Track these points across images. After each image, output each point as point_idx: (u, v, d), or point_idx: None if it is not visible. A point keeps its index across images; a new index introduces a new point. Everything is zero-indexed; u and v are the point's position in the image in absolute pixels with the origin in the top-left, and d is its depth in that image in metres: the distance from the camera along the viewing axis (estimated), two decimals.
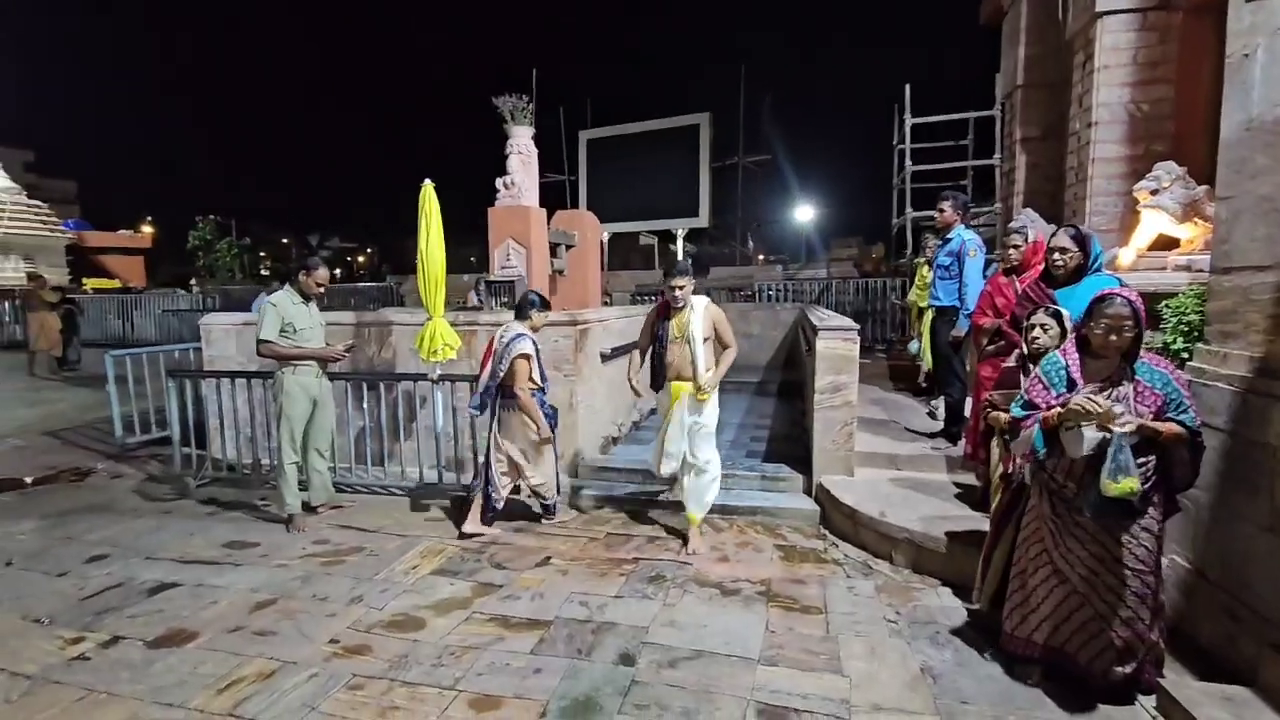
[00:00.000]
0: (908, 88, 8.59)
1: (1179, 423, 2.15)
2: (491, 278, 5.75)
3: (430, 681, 2.47)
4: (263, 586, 3.30)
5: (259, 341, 4.06)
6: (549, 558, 3.63)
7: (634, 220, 15.13)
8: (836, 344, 4.20)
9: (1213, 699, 2.13)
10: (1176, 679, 2.29)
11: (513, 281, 5.61)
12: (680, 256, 14.78)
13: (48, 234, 31.13)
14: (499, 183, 5.82)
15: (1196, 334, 2.91)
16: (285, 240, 54.54)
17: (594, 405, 5.24)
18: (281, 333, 4.05)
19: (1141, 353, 2.27)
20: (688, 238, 15.91)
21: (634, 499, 4.48)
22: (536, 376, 3.89)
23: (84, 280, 31.19)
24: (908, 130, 8.80)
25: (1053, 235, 2.92)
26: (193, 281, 30.62)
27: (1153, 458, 2.18)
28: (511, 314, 4.24)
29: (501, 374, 3.82)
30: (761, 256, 31.42)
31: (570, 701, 2.33)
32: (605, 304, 9.17)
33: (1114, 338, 2.21)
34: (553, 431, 3.98)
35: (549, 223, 6.60)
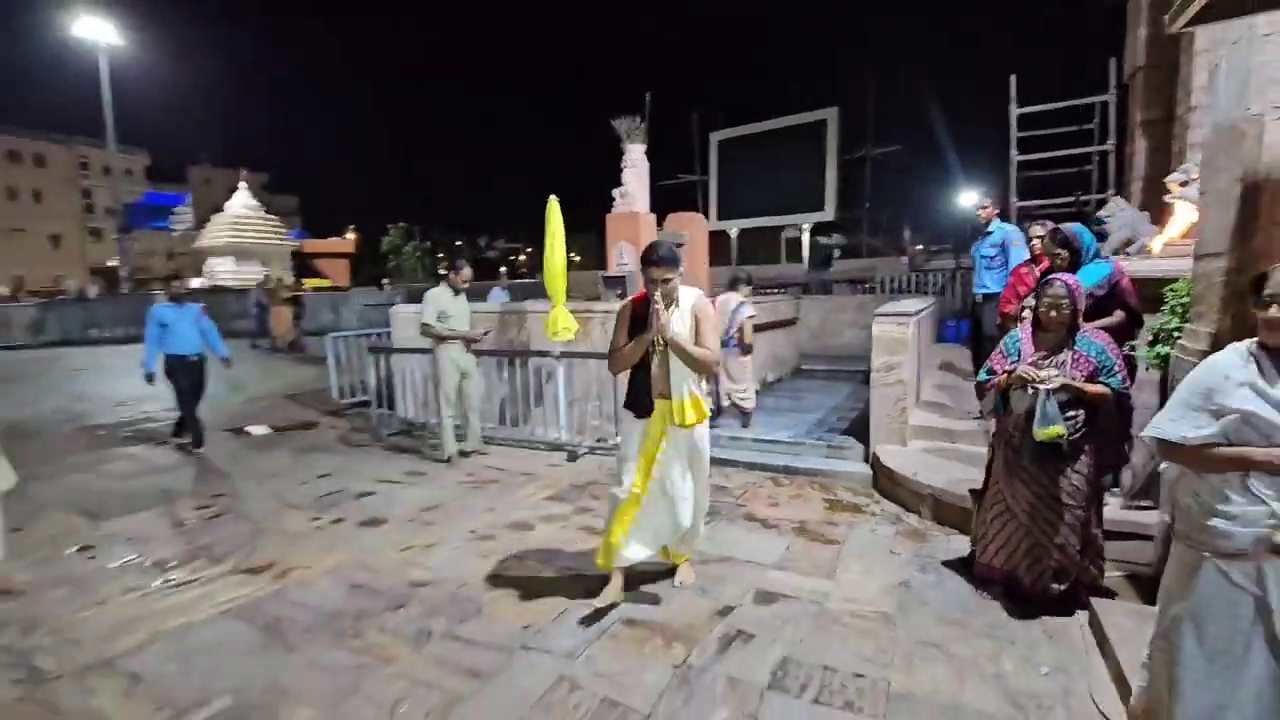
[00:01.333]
0: (1013, 79, 8.39)
1: (1107, 385, 2.62)
2: (608, 273, 6.82)
3: (532, 559, 3.52)
4: (428, 498, 4.59)
5: (421, 325, 5.42)
6: None
7: (763, 215, 15.65)
8: (890, 328, 4.72)
9: (1128, 613, 2.58)
10: (1106, 601, 2.74)
11: (624, 276, 6.64)
12: (806, 251, 15.04)
13: (278, 243, 37.75)
14: (615, 192, 6.87)
15: (1188, 317, 3.18)
16: (459, 243, 60.77)
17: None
18: (437, 319, 5.36)
19: (1084, 327, 2.74)
20: (823, 231, 16.11)
21: (714, 462, 5.29)
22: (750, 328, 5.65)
23: (303, 280, 37.27)
24: (1013, 120, 8.58)
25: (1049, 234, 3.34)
26: (385, 280, 35.57)
27: (1081, 413, 2.66)
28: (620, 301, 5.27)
29: (731, 331, 5.58)
30: (919, 246, 30.20)
31: None
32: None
33: (1054, 313, 2.71)
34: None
35: (661, 224, 7.57)
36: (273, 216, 38.56)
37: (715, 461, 5.19)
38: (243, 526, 4.12)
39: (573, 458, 5.47)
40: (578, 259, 36.75)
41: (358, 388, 7.67)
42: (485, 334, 5.77)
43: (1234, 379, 1.69)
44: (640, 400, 2.87)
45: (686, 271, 8.07)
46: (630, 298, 3.03)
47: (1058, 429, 2.59)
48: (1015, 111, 8.67)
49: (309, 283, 35.80)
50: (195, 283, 34.96)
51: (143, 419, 7.46)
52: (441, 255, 55.96)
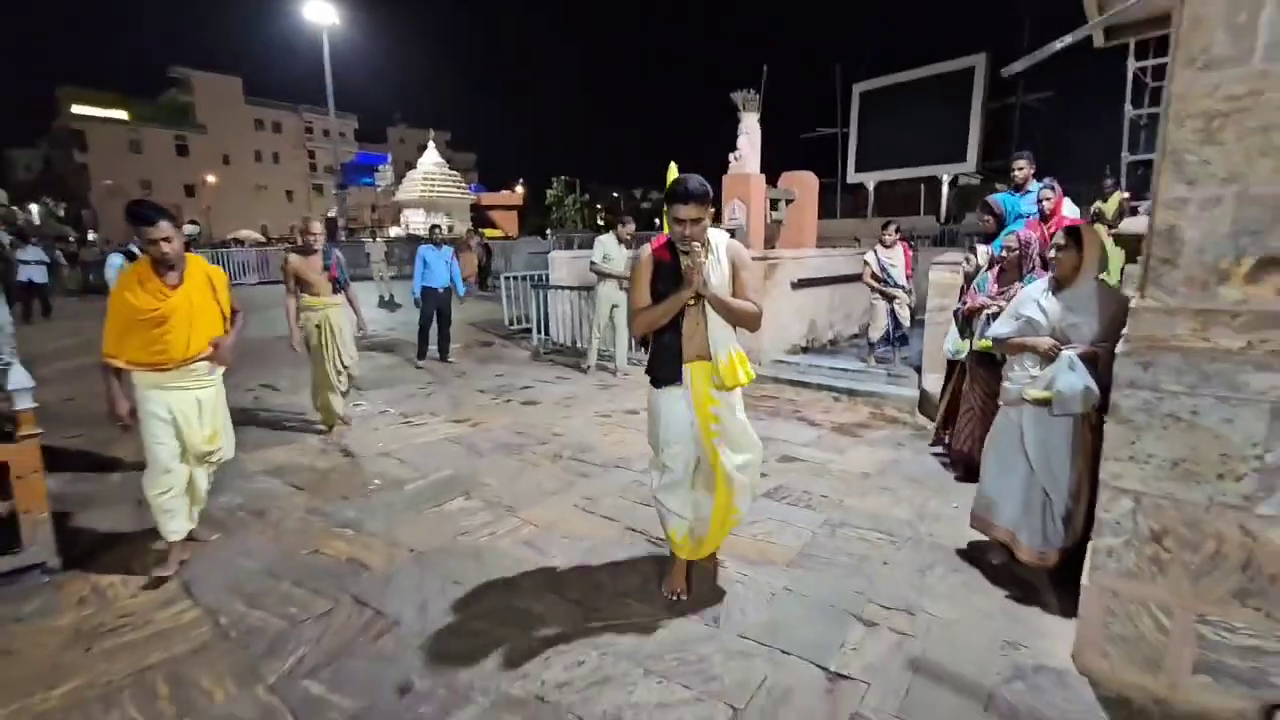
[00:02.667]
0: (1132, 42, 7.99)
1: None
2: (723, 226, 8.05)
3: (631, 427, 5.07)
4: (569, 392, 6.31)
5: (590, 263, 7.04)
6: None
7: (902, 167, 15.64)
8: (944, 274, 5.56)
9: None
10: None
11: (735, 229, 7.83)
12: (944, 204, 14.85)
13: (460, 196, 42.28)
14: (731, 156, 8.02)
15: None
16: (616, 195, 63.53)
17: (780, 321, 7.28)
18: (602, 259, 6.95)
19: (1037, 270, 3.65)
20: (965, 183, 15.72)
21: (789, 383, 6.50)
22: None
23: (480, 231, 41.70)
24: (1129, 73, 8.19)
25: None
26: (548, 231, 38.88)
27: None
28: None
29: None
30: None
31: None
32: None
33: (1006, 256, 3.64)
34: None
35: (776, 183, 8.60)
36: (454, 173, 43.33)
37: (790, 383, 6.43)
38: (449, 399, 6.10)
39: None
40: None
41: (523, 318, 9.68)
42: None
43: (1033, 298, 2.72)
44: (670, 366, 2.46)
45: (792, 226, 9.05)
46: (651, 245, 2.51)
47: (988, 343, 3.59)
48: (1133, 66, 8.36)
49: (486, 232, 39.94)
50: (393, 232, 40.66)
51: (375, 336, 10.05)
52: (600, 207, 59.13)
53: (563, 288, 8.30)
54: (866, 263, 6.52)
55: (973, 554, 2.99)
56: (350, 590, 2.76)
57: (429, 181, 40.65)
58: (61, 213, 39.52)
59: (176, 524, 2.91)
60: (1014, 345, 2.75)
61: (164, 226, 2.65)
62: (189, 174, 48.65)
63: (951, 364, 4.28)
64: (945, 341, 4.25)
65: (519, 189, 55.91)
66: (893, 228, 6.50)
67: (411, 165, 43.34)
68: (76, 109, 44.77)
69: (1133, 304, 2.05)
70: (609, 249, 6.89)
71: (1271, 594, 1.90)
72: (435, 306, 7.61)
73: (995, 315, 3.57)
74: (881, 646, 2.35)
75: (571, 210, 53.74)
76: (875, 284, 6.42)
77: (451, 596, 2.71)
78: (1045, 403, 2.55)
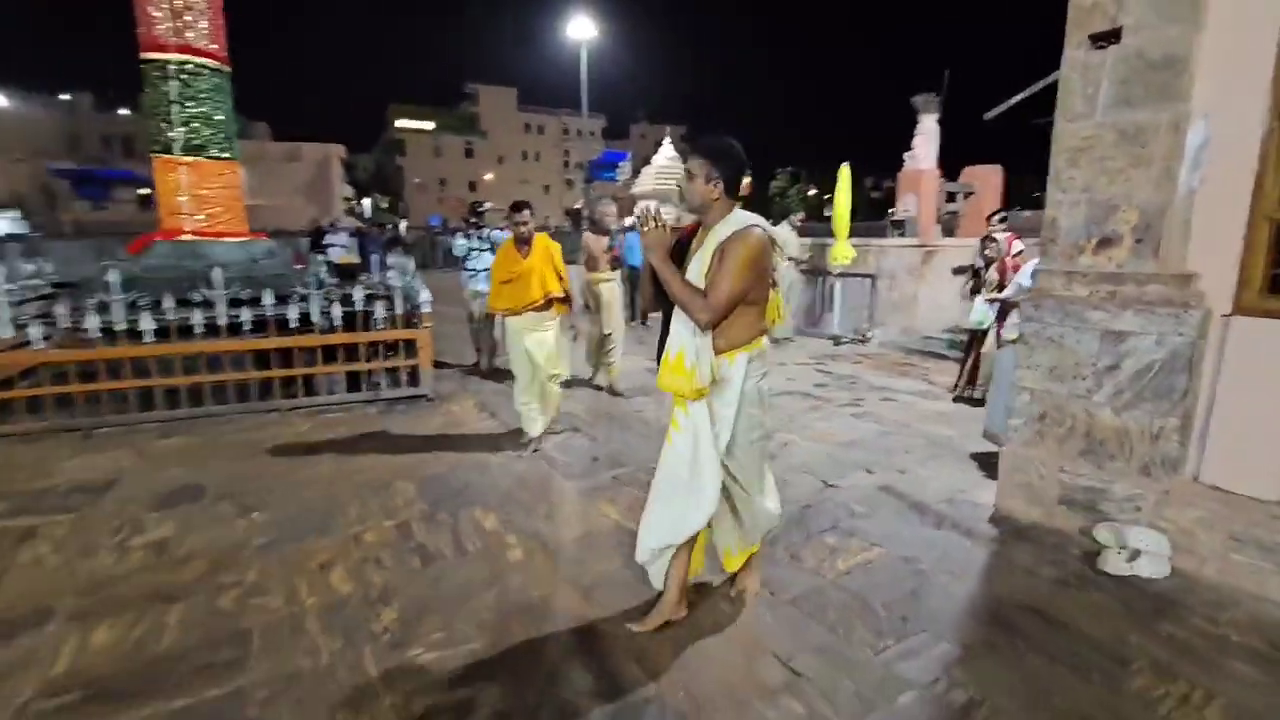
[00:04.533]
0: None
1: None
2: (895, 217, 9.01)
3: (777, 375, 6.62)
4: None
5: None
6: (858, 361, 7.21)
7: None
8: None
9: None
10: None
11: (904, 220, 8.76)
12: None
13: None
14: (905, 156, 8.94)
15: None
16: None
17: (940, 301, 8.14)
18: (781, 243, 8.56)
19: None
20: None
21: (928, 354, 7.44)
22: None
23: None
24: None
25: None
26: (770, 220, 40.14)
27: None
28: (895, 240, 7.71)
29: None
30: None
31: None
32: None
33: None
34: None
35: (958, 178, 9.28)
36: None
37: (929, 354, 7.38)
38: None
39: (837, 343, 8.21)
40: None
41: None
42: (809, 257, 8.79)
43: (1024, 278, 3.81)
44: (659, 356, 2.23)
45: (971, 216, 9.53)
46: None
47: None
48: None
49: None
50: (628, 221, 45.06)
51: None
52: (828, 197, 58.52)
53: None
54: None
55: (983, 458, 4.12)
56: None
57: (662, 174, 44.18)
58: (385, 204, 50.71)
59: (533, 427, 4.18)
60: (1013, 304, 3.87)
61: (526, 214, 4.00)
62: (472, 172, 58.53)
63: (971, 333, 5.21)
64: (971, 314, 5.17)
65: (746, 179, 57.34)
66: (995, 217, 7.01)
67: (648, 161, 47.50)
68: (400, 123, 56.44)
69: (1032, 267, 3.21)
70: (783, 234, 8.38)
71: (1101, 452, 2.99)
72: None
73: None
74: (868, 480, 3.76)
75: (795, 201, 54.07)
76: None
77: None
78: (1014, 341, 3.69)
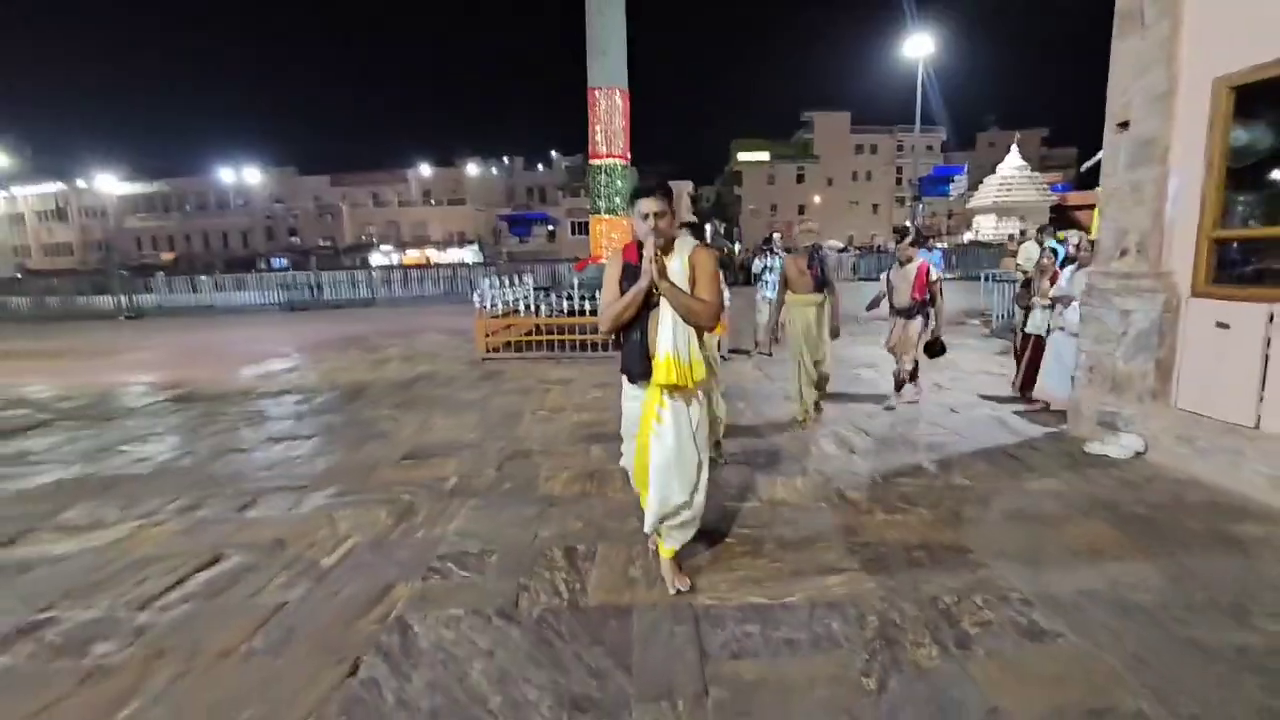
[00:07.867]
0: None
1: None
2: None
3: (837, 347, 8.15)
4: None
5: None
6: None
7: None
8: None
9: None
10: None
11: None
12: None
13: (1036, 199, 41.16)
14: None
15: None
16: None
17: None
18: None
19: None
20: None
21: None
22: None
23: (1057, 232, 39.46)
24: None
25: None
26: None
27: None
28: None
29: None
30: None
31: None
32: None
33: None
34: None
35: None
36: (1035, 174, 41.98)
37: None
38: None
39: None
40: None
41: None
42: None
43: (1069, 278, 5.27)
44: (639, 363, 2.58)
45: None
46: (623, 247, 2.68)
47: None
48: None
49: (1059, 234, 37.90)
50: (967, 237, 42.43)
51: None
52: None
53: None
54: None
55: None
56: None
57: (1005, 186, 40.96)
58: (722, 230, 57.32)
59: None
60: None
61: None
62: (802, 196, 61.90)
63: (1025, 337, 5.97)
64: (1034, 320, 5.91)
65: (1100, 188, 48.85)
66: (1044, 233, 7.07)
67: (993, 170, 44.20)
68: (741, 156, 62.89)
69: (1068, 273, 4.90)
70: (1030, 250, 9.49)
71: (1118, 389, 4.59)
72: None
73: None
74: (909, 409, 5.67)
75: None
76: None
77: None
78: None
